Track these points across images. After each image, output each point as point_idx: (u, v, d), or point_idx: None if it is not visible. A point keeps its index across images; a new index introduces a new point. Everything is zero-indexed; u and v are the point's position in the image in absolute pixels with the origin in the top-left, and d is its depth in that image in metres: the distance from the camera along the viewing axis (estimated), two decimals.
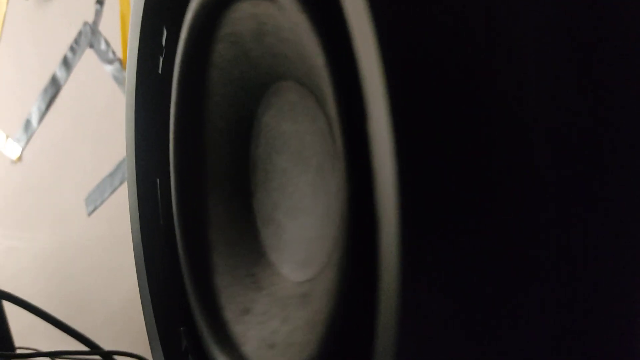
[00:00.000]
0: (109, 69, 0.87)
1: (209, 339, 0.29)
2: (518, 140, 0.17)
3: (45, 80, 0.96)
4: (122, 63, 0.86)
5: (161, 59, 0.33)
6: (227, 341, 0.28)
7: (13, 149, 1.02)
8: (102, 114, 0.89)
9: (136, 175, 0.35)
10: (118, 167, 0.86)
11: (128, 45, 0.34)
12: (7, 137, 1.03)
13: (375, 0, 0.16)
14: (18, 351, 0.72)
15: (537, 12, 0.17)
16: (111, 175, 0.87)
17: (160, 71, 0.33)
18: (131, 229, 0.35)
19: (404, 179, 0.15)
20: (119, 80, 0.85)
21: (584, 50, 0.18)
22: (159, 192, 0.35)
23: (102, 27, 0.88)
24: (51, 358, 0.67)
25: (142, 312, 0.76)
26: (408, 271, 0.15)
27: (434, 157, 0.15)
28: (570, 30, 0.18)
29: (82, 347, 0.63)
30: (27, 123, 1.00)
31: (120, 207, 0.85)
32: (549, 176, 0.17)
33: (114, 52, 0.87)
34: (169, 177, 0.34)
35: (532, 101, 0.17)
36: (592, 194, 0.17)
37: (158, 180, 0.35)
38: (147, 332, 0.35)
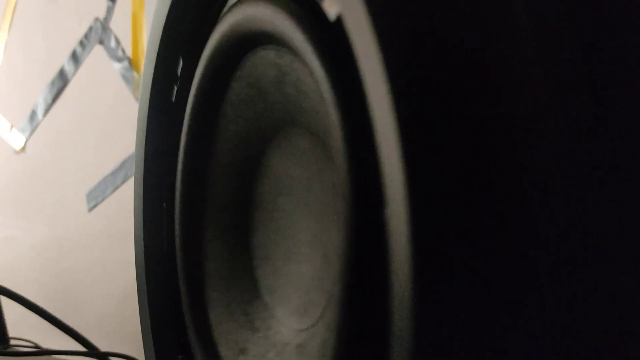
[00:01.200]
0: (117, 66, 0.87)
1: None
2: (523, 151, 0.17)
3: (53, 73, 0.96)
4: (130, 62, 0.86)
5: (175, 88, 0.33)
6: None
7: (17, 139, 1.02)
8: (107, 111, 0.89)
9: (143, 199, 0.35)
10: (121, 165, 0.86)
11: (143, 71, 0.34)
12: (12, 126, 1.03)
13: (394, 76, 0.16)
14: (12, 341, 0.72)
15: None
16: (114, 173, 0.87)
17: (173, 99, 0.33)
18: (135, 252, 0.36)
19: (421, 258, 0.15)
20: (126, 79, 0.85)
21: (585, 52, 0.18)
22: (165, 217, 0.35)
23: (113, 25, 0.88)
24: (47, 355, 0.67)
25: (134, 311, 0.76)
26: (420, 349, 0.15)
27: (452, 231, 0.15)
28: (571, 32, 0.18)
29: (78, 345, 0.63)
30: (33, 114, 1.00)
31: (121, 205, 0.85)
32: (551, 178, 0.17)
33: (123, 50, 0.87)
34: (175, 204, 0.34)
35: (532, 107, 0.17)
36: (598, 196, 0.17)
37: (165, 205, 0.35)
38: (145, 355, 0.35)
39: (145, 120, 0.34)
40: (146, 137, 0.35)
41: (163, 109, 0.34)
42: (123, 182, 0.85)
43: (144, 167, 0.35)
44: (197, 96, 0.31)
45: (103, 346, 0.64)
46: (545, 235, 0.17)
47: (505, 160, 0.17)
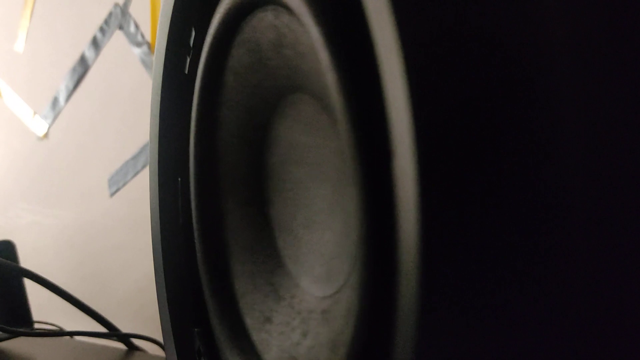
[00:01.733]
0: (137, 51, 0.87)
1: (228, 344, 0.29)
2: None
3: (74, 59, 0.97)
4: (150, 46, 0.86)
5: (188, 59, 0.33)
6: (248, 347, 0.28)
7: (40, 126, 1.03)
8: (128, 96, 0.89)
9: (158, 173, 0.35)
10: (142, 150, 0.86)
11: (156, 43, 0.34)
12: (35, 113, 1.04)
13: (404, 26, 0.15)
14: (36, 325, 0.73)
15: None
16: (135, 158, 0.87)
17: (187, 71, 0.33)
18: (151, 226, 0.36)
19: (426, 201, 0.15)
20: (146, 64, 0.86)
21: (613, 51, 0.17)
22: (179, 191, 0.35)
23: (132, 10, 0.89)
24: (69, 336, 0.68)
25: (156, 295, 0.76)
26: (427, 296, 0.15)
27: (458, 181, 0.15)
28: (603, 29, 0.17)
29: (101, 328, 0.63)
30: (55, 101, 1.01)
31: (142, 190, 0.86)
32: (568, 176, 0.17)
33: (142, 35, 0.87)
34: (189, 178, 0.34)
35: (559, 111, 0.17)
36: (621, 197, 0.17)
37: (180, 179, 0.35)
38: (162, 330, 0.35)
39: (159, 93, 0.34)
40: (159, 110, 0.34)
41: (176, 81, 0.34)
42: (144, 166, 0.86)
43: (158, 142, 0.35)
44: (204, 66, 0.31)
45: (125, 329, 0.65)
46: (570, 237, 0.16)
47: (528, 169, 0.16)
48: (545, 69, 0.16)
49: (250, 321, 0.29)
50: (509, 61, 0.16)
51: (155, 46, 0.34)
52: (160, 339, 0.64)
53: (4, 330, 0.63)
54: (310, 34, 0.21)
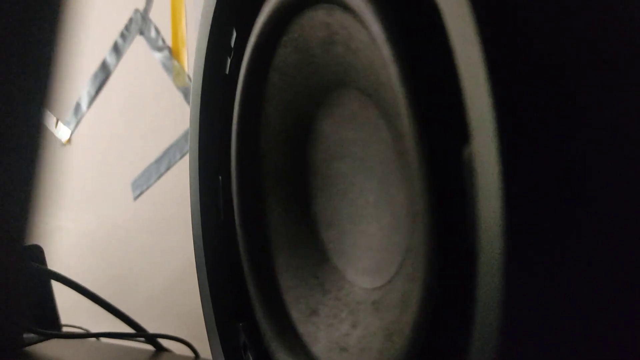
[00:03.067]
0: (158, 56, 0.88)
1: (274, 337, 0.30)
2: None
3: (95, 65, 0.98)
4: (171, 51, 0.87)
5: (229, 60, 0.33)
6: (294, 340, 0.28)
7: (63, 132, 1.04)
8: (150, 100, 0.90)
9: (199, 171, 0.36)
10: (164, 153, 0.87)
11: (197, 44, 0.35)
12: (58, 120, 1.05)
13: (483, 20, 0.16)
14: (64, 329, 0.74)
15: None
16: (157, 161, 0.88)
17: (227, 72, 0.34)
18: (192, 223, 0.36)
19: (511, 197, 0.15)
20: (167, 68, 0.87)
21: None
22: (220, 189, 0.35)
23: (153, 15, 0.90)
24: (97, 338, 0.69)
25: (184, 296, 0.77)
26: (513, 294, 0.15)
27: (542, 176, 0.15)
28: None
29: (127, 329, 0.64)
30: (77, 107, 1.02)
31: (165, 192, 0.87)
32: None
33: (163, 40, 0.88)
34: (230, 175, 0.34)
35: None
36: None
37: (220, 178, 0.35)
38: (206, 326, 0.35)
39: (200, 93, 0.35)
40: (200, 110, 0.35)
41: (217, 82, 0.34)
42: (167, 169, 0.86)
43: (199, 141, 0.36)
44: (248, 66, 0.31)
45: (152, 330, 0.65)
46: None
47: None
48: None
49: (296, 314, 0.30)
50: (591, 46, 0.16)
51: (196, 47, 0.35)
52: (187, 338, 0.65)
53: (34, 332, 0.64)
54: (370, 28, 0.21)
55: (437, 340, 0.20)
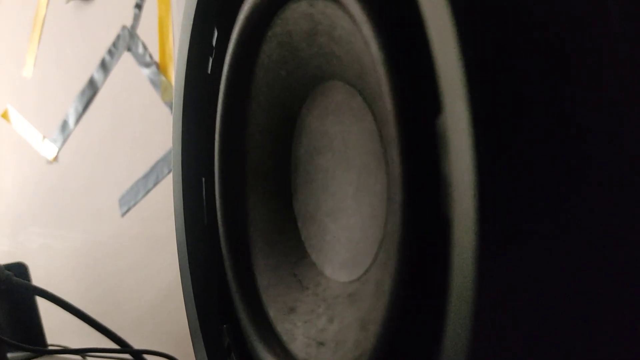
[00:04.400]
0: (145, 72, 0.88)
1: (254, 337, 0.29)
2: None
3: (83, 82, 0.98)
4: (158, 66, 0.87)
5: (211, 59, 0.33)
6: (273, 339, 0.28)
7: (49, 149, 1.03)
8: (137, 116, 0.90)
9: (182, 173, 0.35)
10: (152, 169, 0.87)
11: (178, 45, 0.35)
12: (44, 137, 1.05)
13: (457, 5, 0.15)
14: (50, 348, 0.73)
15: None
16: (145, 177, 0.88)
17: (209, 71, 0.33)
18: (175, 227, 0.36)
19: (484, 183, 0.15)
20: (155, 84, 0.87)
21: None
22: (204, 191, 0.35)
23: (140, 31, 0.90)
24: (82, 355, 0.68)
25: (172, 312, 0.76)
26: (484, 282, 0.15)
27: (516, 163, 0.15)
28: None
29: (113, 345, 0.63)
30: (64, 124, 1.02)
31: (153, 208, 0.86)
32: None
33: (151, 56, 0.88)
34: (213, 176, 0.34)
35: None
36: None
37: (203, 179, 0.35)
38: (190, 329, 0.35)
39: (182, 94, 0.34)
40: (182, 111, 0.35)
41: (199, 82, 0.34)
42: (155, 185, 0.86)
43: (181, 143, 0.35)
44: (230, 64, 0.31)
45: (139, 347, 0.64)
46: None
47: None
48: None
49: (274, 313, 0.29)
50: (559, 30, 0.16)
51: (177, 48, 0.34)
52: (176, 355, 0.64)
53: (20, 348, 0.63)
54: (350, 11, 0.21)
55: (411, 327, 0.20)
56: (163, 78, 0.86)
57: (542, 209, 0.16)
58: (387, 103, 0.19)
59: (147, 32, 0.88)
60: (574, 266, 0.17)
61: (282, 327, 0.28)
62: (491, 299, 0.16)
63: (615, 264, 0.17)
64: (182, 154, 0.35)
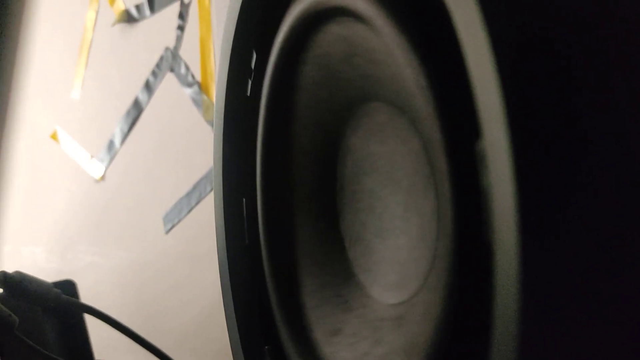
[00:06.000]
0: (188, 92, 0.90)
1: (296, 359, 0.29)
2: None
3: (128, 103, 1.00)
4: (200, 86, 0.89)
5: (250, 82, 0.34)
6: None
7: (96, 169, 1.06)
8: (180, 135, 0.92)
9: (223, 194, 0.36)
10: (195, 187, 0.88)
11: (218, 67, 0.35)
12: (92, 157, 1.07)
13: (492, 23, 0.15)
14: None
15: None
16: (188, 194, 0.89)
17: (248, 93, 0.34)
18: (217, 247, 0.36)
19: (525, 203, 0.14)
20: (197, 103, 0.88)
21: None
22: (244, 211, 0.35)
23: (182, 52, 0.92)
24: None
25: (216, 330, 0.77)
26: (528, 306, 0.15)
27: (556, 178, 0.14)
28: None
29: None
30: (110, 144, 1.04)
31: (196, 226, 0.87)
32: None
33: (193, 76, 0.90)
34: (255, 197, 0.34)
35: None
36: None
37: (244, 200, 0.35)
38: (232, 349, 0.35)
39: (222, 116, 0.35)
40: (223, 133, 0.35)
41: (239, 104, 0.35)
42: (197, 202, 0.87)
43: (222, 165, 0.36)
44: (270, 87, 0.32)
45: None
46: None
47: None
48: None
49: (319, 335, 0.29)
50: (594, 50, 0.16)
51: (217, 70, 0.35)
52: None
53: None
54: (385, 38, 0.21)
55: (458, 354, 0.19)
56: (205, 97, 0.87)
57: (582, 242, 0.15)
58: (433, 129, 0.19)
59: (189, 52, 0.90)
60: (621, 292, 0.16)
61: (327, 349, 0.28)
62: (536, 325, 0.16)
63: None
64: (223, 176, 0.35)
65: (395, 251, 0.26)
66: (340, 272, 0.30)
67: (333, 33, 0.27)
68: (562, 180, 0.15)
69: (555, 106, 0.15)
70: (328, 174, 0.31)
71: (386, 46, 0.23)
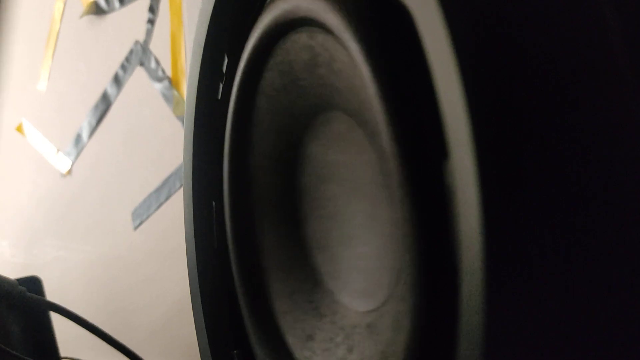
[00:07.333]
0: (158, 86, 0.89)
1: None
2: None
3: (96, 96, 0.99)
4: (170, 81, 0.88)
5: (221, 86, 0.34)
6: None
7: (63, 163, 1.04)
8: (150, 130, 0.91)
9: (193, 198, 0.35)
10: (164, 182, 0.87)
11: (189, 69, 0.35)
12: (58, 150, 1.06)
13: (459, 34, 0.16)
14: None
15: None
16: (157, 190, 0.88)
17: (219, 97, 0.34)
18: (186, 251, 0.36)
19: (489, 199, 0.15)
20: (167, 98, 0.87)
21: None
22: (214, 215, 0.35)
23: (153, 46, 0.91)
24: None
25: (185, 326, 0.77)
26: (494, 310, 0.15)
27: (522, 191, 0.15)
28: None
29: None
30: (78, 138, 1.03)
31: (165, 222, 0.87)
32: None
33: (163, 71, 0.89)
34: (223, 201, 0.34)
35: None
36: None
37: (214, 204, 0.35)
38: (200, 354, 0.35)
39: (193, 119, 0.35)
40: (193, 136, 0.35)
41: (209, 108, 0.34)
42: (167, 198, 0.86)
43: (192, 167, 0.36)
44: (237, 91, 0.32)
45: None
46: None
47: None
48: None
49: (291, 340, 0.29)
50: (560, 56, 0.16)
51: (189, 74, 0.35)
52: None
53: None
54: (349, 49, 0.21)
55: (431, 358, 0.20)
56: (175, 92, 0.87)
57: (550, 250, 0.16)
58: (388, 143, 0.19)
59: (160, 47, 0.89)
60: (582, 309, 0.17)
61: (301, 354, 0.28)
62: (500, 334, 0.16)
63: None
64: (193, 178, 0.35)
65: (360, 259, 0.26)
66: (308, 278, 0.30)
67: (299, 42, 0.27)
68: (531, 207, 0.15)
69: (530, 132, 0.15)
70: (289, 180, 0.31)
71: (349, 58, 0.23)
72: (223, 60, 0.33)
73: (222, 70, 0.34)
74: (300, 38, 0.27)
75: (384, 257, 0.25)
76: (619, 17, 0.18)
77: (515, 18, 0.17)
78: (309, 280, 0.30)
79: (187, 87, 0.35)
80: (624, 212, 0.17)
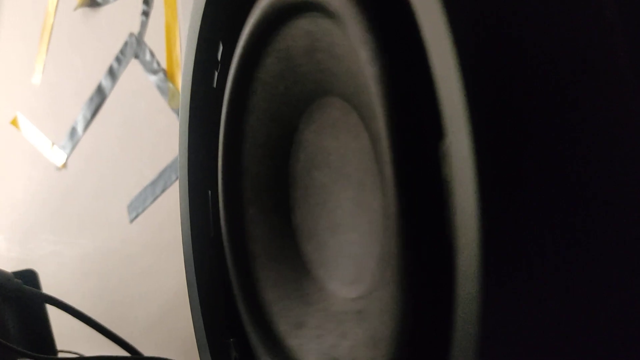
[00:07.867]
0: (153, 79, 0.89)
1: (263, 352, 0.29)
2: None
3: (91, 89, 0.98)
4: (165, 73, 0.87)
5: (216, 74, 0.33)
6: (283, 354, 0.28)
7: (58, 156, 1.04)
8: (145, 123, 0.91)
9: (188, 186, 0.35)
10: (160, 175, 0.87)
11: (184, 58, 0.35)
12: (53, 144, 1.05)
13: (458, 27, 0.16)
14: (60, 354, 0.74)
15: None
16: (153, 183, 0.88)
17: (215, 85, 0.34)
18: (182, 240, 0.36)
19: (487, 200, 0.15)
20: (162, 90, 0.87)
21: None
22: (210, 204, 0.35)
23: (147, 38, 0.90)
24: None
25: (182, 319, 0.77)
26: (491, 295, 0.15)
27: (520, 169, 0.15)
28: None
29: (123, 353, 0.63)
30: (73, 131, 1.02)
31: (161, 214, 0.87)
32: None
33: (158, 63, 0.88)
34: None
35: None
36: None
37: (210, 192, 0.35)
38: (197, 342, 0.35)
39: (188, 107, 0.35)
40: (189, 124, 0.35)
41: (204, 96, 0.34)
42: (162, 191, 0.86)
43: (188, 156, 0.36)
44: (233, 78, 0.31)
45: (150, 355, 0.65)
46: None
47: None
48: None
49: (284, 327, 0.29)
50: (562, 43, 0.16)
51: (183, 61, 0.35)
52: None
53: (30, 357, 0.63)
54: (349, 32, 0.21)
55: (422, 343, 0.20)
56: (170, 85, 0.86)
57: (548, 240, 0.16)
58: (380, 123, 0.19)
59: (154, 39, 0.88)
60: (583, 290, 0.17)
61: (293, 342, 0.28)
62: (497, 316, 0.16)
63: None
64: (188, 168, 0.35)
65: (347, 246, 0.27)
66: (297, 266, 0.30)
67: (299, 27, 0.26)
68: (529, 186, 0.15)
69: (529, 109, 0.15)
70: (281, 167, 0.31)
71: (349, 42, 0.23)
72: (218, 47, 0.33)
73: (217, 58, 0.33)
74: (301, 23, 0.27)
75: (369, 244, 0.25)
76: (619, 17, 0.18)
77: (515, 18, 0.17)
78: (298, 269, 0.30)
79: (182, 76, 0.35)
80: (624, 212, 0.17)
